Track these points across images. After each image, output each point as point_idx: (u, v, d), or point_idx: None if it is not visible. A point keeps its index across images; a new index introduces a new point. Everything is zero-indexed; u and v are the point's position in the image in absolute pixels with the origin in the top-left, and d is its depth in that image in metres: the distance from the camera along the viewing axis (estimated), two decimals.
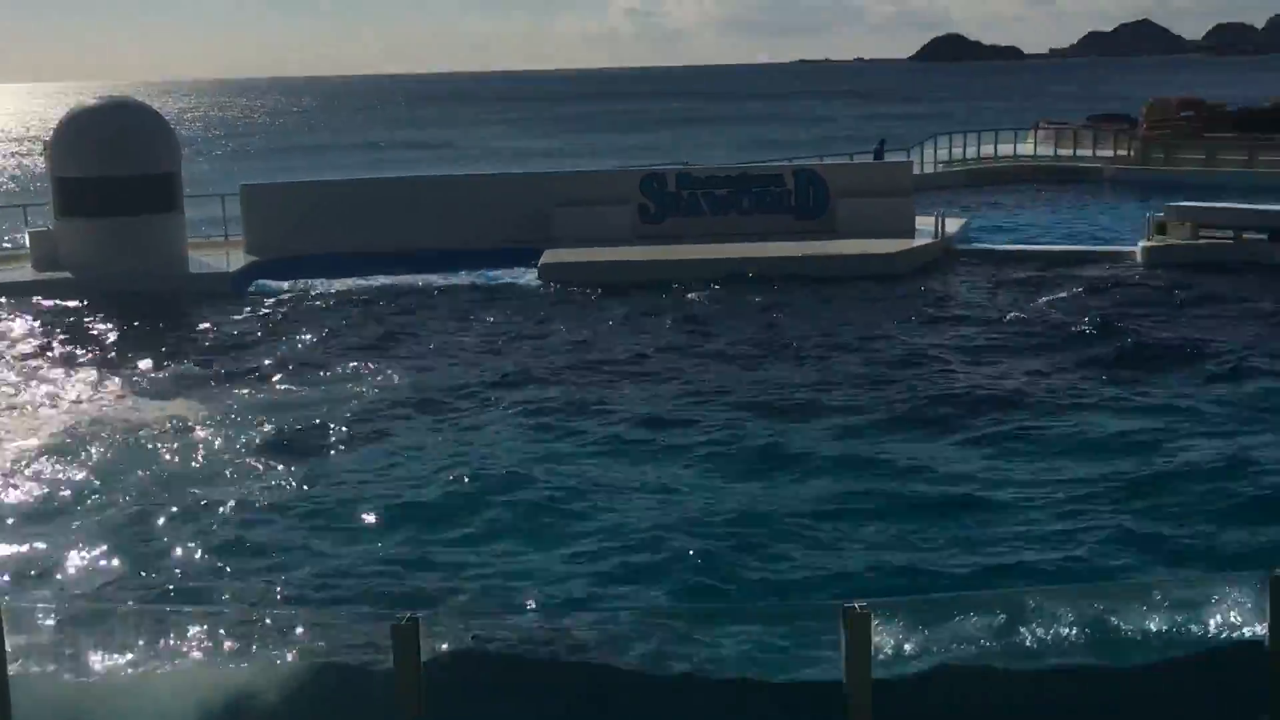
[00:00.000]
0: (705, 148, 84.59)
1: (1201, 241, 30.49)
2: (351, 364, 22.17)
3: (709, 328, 25.10)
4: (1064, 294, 26.80)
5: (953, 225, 34.17)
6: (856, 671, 7.31)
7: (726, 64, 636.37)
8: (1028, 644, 8.66)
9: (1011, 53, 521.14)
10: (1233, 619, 8.85)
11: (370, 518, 14.49)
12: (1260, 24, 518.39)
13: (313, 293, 29.87)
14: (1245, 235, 30.31)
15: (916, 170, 42.88)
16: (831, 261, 30.55)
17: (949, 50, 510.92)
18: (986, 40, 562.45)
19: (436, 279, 30.62)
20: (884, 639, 8.37)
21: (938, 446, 16.67)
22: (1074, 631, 8.76)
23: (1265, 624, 8.24)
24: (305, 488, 15.55)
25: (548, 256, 31.50)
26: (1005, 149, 54.68)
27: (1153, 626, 8.85)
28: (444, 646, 8.84)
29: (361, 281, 30.70)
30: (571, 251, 31.92)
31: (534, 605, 11.31)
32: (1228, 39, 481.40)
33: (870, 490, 14.85)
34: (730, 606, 10.80)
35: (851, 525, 13.75)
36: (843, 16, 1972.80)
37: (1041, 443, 16.59)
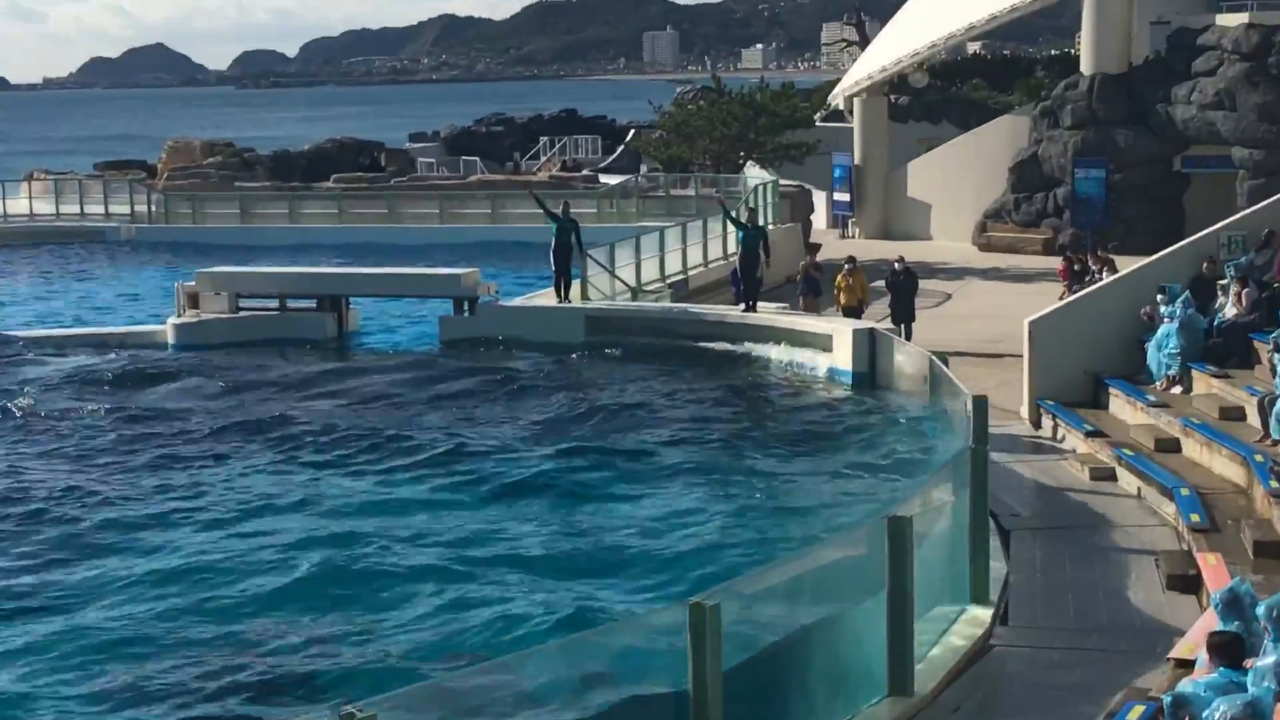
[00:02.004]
0: None
1: (242, 314, 31.87)
2: None
3: None
4: (92, 392, 26.70)
5: None
6: None
7: None
8: None
9: None
10: None
11: None
12: (292, 51, 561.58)
13: None
14: (291, 304, 32.22)
15: None
16: None
17: None
18: None
19: None
20: None
21: None
22: None
23: None
24: None
25: None
26: None
27: None
28: None
29: None
30: None
31: None
32: (258, 68, 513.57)
33: None
34: None
35: None
36: None
37: None
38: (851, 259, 29.97)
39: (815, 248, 36.48)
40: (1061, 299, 26.10)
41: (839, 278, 29.16)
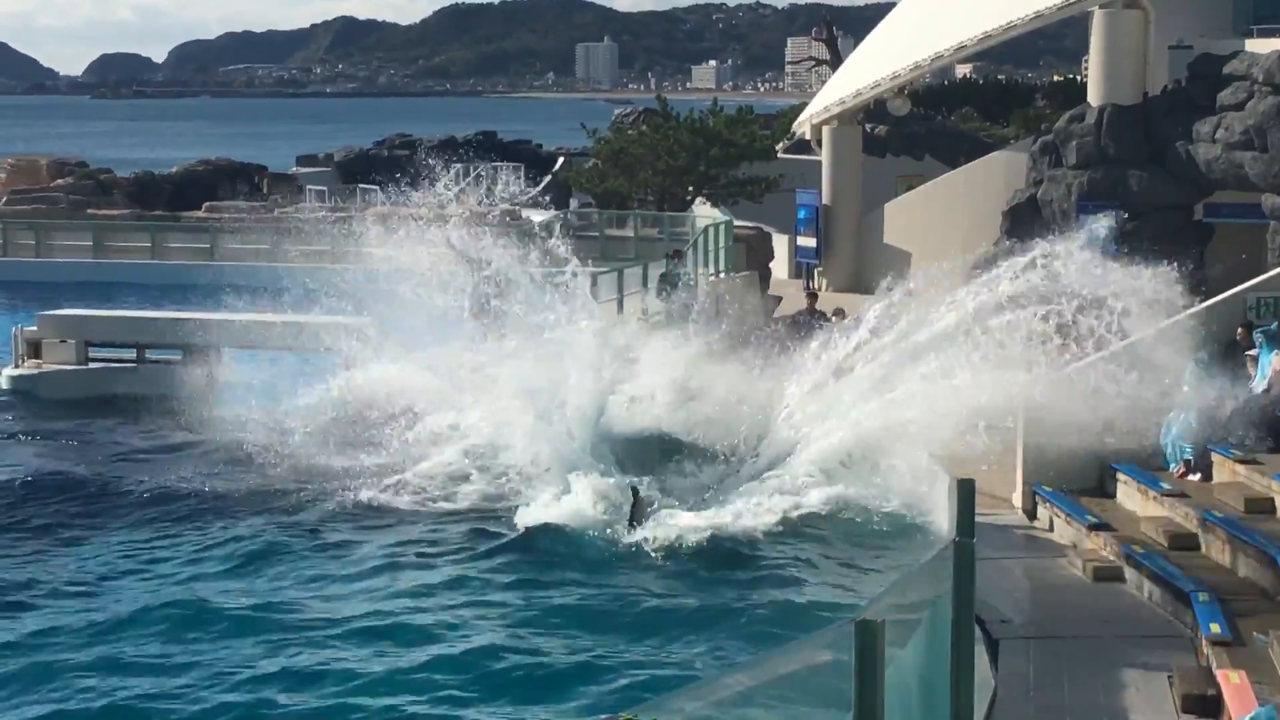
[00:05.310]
0: None
1: (93, 366, 31.74)
2: None
3: None
4: None
5: None
6: None
7: None
8: None
9: None
10: None
11: None
12: (160, 56, 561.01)
13: None
14: (151, 355, 32.10)
15: None
16: None
17: None
18: None
19: None
20: None
21: None
22: None
23: None
24: None
25: None
26: None
27: None
28: None
29: None
30: None
31: None
32: (119, 74, 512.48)
33: None
34: None
35: None
36: None
37: None
38: (839, 311, 30.18)
39: (813, 295, 36.27)
40: None
41: None
